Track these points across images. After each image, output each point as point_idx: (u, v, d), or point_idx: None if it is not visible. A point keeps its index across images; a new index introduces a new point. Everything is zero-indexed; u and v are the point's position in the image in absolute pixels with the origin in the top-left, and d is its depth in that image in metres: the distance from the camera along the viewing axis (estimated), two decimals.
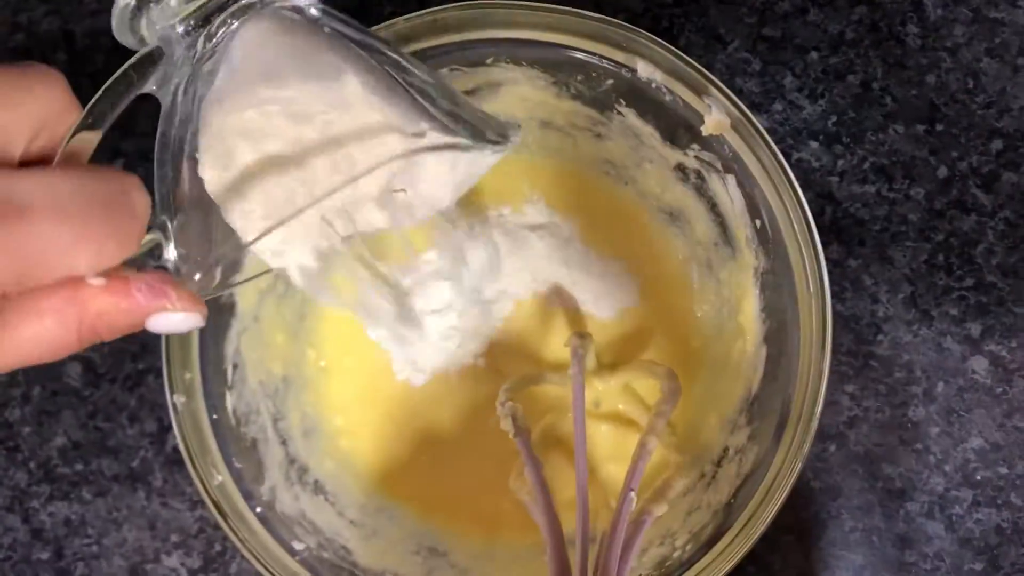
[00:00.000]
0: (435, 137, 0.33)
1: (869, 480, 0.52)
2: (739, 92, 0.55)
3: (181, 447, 0.44)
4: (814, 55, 0.55)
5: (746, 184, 0.45)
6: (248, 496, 0.45)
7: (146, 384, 0.54)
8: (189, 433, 0.44)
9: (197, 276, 0.33)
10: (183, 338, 0.45)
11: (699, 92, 0.44)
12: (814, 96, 0.55)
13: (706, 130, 0.45)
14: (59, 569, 0.53)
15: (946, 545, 0.51)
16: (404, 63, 0.36)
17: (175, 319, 0.31)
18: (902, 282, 0.53)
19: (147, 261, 0.32)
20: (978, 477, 0.51)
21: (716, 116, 0.44)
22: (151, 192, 0.30)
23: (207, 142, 0.32)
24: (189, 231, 0.33)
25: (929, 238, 0.53)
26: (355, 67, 0.33)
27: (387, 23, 0.46)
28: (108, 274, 0.29)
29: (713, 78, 0.44)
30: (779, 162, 0.43)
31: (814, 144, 0.54)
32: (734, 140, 0.44)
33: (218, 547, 0.52)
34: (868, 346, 0.53)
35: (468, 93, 0.49)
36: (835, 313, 0.53)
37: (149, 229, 0.31)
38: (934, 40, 0.55)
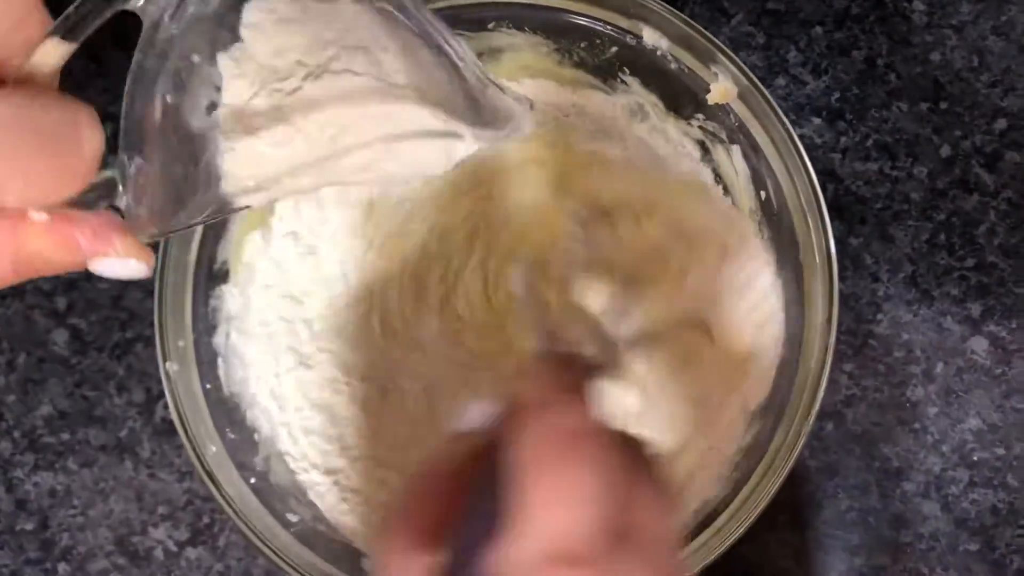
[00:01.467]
0: (449, 124, 0.32)
1: (866, 460, 0.51)
2: None
3: (174, 416, 0.43)
4: (819, 30, 0.54)
5: (751, 155, 0.45)
6: (242, 467, 0.44)
7: (134, 353, 0.53)
8: (182, 402, 0.43)
9: (150, 219, 0.31)
10: (176, 304, 0.44)
11: (706, 60, 0.44)
12: (818, 71, 0.54)
13: (712, 99, 0.44)
14: (44, 540, 0.52)
15: (942, 525, 0.51)
16: (444, 36, 0.34)
17: (118, 265, 0.29)
18: (903, 261, 0.53)
19: (97, 201, 0.30)
20: (975, 458, 0.51)
21: (723, 84, 0.43)
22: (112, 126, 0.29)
23: (232, 67, 0.30)
24: (151, 171, 0.31)
25: (931, 217, 0.53)
26: (397, 32, 0.31)
27: None
28: (52, 211, 0.28)
29: (721, 45, 0.43)
30: (787, 132, 0.42)
31: (817, 120, 0.54)
32: (741, 110, 0.44)
33: (206, 519, 0.52)
34: (868, 325, 0.52)
35: None
36: None
37: (105, 165, 0.29)
38: (940, 17, 0.54)
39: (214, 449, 0.43)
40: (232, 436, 0.44)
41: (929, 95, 0.54)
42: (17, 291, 0.53)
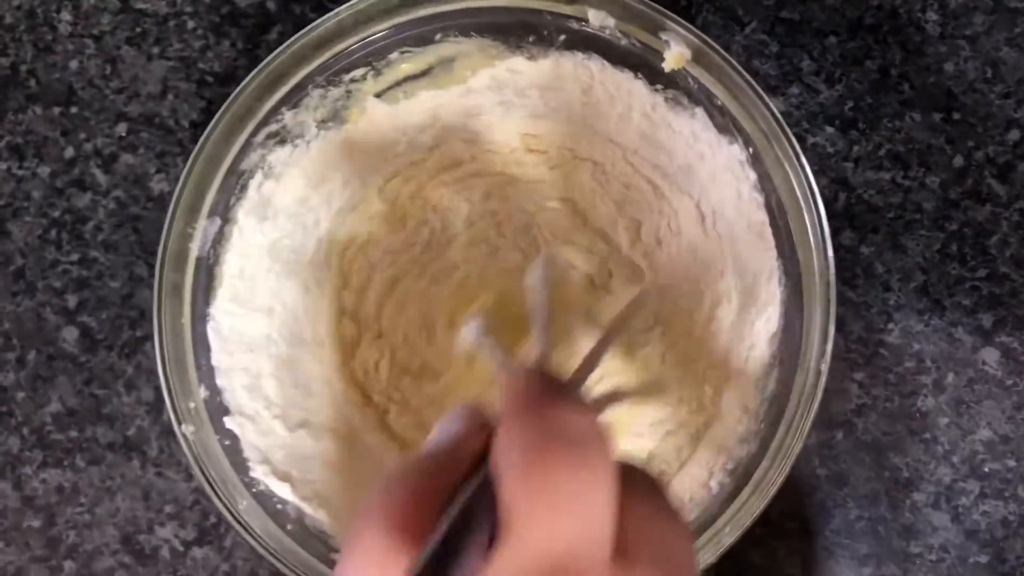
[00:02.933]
0: None
1: (876, 469, 0.51)
2: (756, 74, 0.54)
3: (201, 479, 0.43)
4: (832, 39, 0.54)
5: (718, 116, 0.44)
6: (275, 515, 0.44)
7: (143, 352, 0.53)
8: (205, 463, 0.43)
9: None
10: (180, 367, 0.44)
11: (654, 30, 0.43)
12: (831, 80, 0.54)
13: (667, 66, 0.44)
14: (50, 537, 0.51)
15: (952, 536, 0.51)
16: None
17: None
18: (915, 271, 0.53)
19: None
20: (986, 469, 0.51)
21: (675, 50, 0.43)
22: None
23: None
24: None
25: (943, 227, 0.53)
26: None
27: (335, 12, 0.45)
28: None
29: (667, 12, 0.43)
30: (747, 83, 0.42)
31: (830, 129, 0.54)
32: (698, 72, 0.44)
33: (213, 519, 0.51)
34: (878, 334, 0.52)
35: (422, 74, 0.49)
36: (846, 300, 0.52)
37: None
38: (953, 28, 0.54)
39: (244, 503, 0.44)
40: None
41: (942, 105, 0.54)
42: (28, 288, 0.53)
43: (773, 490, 0.41)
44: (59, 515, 0.52)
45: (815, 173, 0.53)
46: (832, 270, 0.42)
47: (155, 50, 0.55)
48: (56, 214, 0.54)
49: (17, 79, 0.55)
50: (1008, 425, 0.51)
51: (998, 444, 0.51)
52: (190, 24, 0.55)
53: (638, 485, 0.27)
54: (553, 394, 0.27)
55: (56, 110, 0.55)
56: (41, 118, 0.54)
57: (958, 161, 0.53)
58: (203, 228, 0.45)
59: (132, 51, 0.55)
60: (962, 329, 0.52)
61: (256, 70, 0.45)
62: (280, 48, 0.45)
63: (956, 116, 0.54)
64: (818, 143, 0.54)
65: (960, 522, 0.51)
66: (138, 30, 0.55)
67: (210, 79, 0.55)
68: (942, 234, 0.53)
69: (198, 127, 0.54)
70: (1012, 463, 0.51)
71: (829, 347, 0.42)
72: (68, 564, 0.51)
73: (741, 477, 0.43)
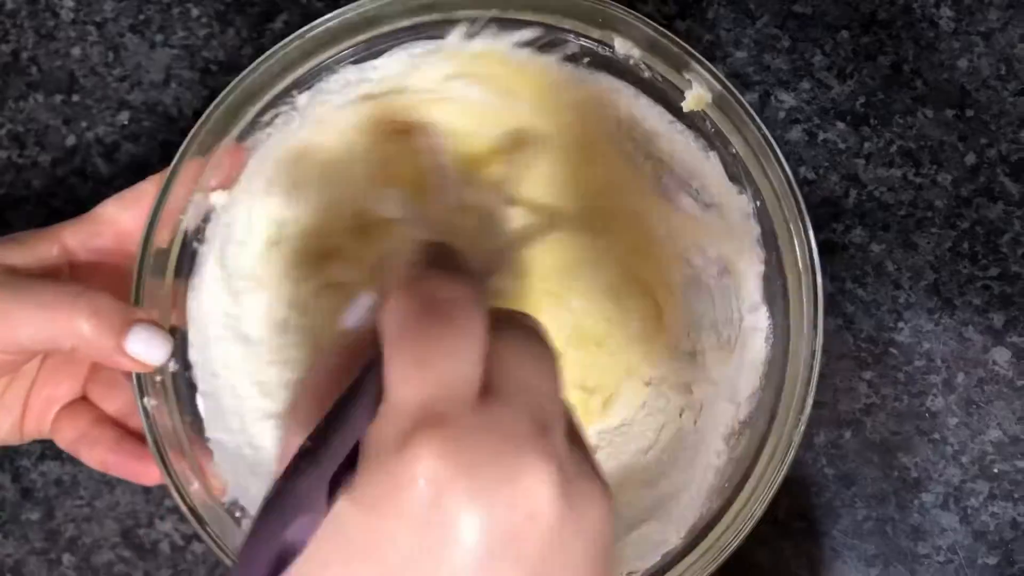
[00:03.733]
0: None
1: (884, 469, 0.51)
2: (767, 69, 0.54)
3: (154, 453, 0.42)
4: (845, 34, 0.54)
5: (730, 162, 0.44)
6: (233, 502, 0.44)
7: None
8: (162, 439, 0.42)
9: None
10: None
11: (679, 67, 0.43)
12: (843, 76, 0.53)
13: (687, 106, 0.44)
14: (49, 530, 0.51)
15: (960, 538, 0.50)
16: None
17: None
18: (925, 269, 0.52)
19: None
20: (995, 470, 0.51)
21: (697, 91, 0.43)
22: None
23: None
24: None
25: (955, 225, 0.52)
26: None
27: (356, 4, 0.44)
28: None
29: (694, 52, 0.42)
30: (764, 137, 0.42)
31: (841, 125, 0.53)
32: (717, 116, 0.43)
33: None
34: (888, 333, 0.52)
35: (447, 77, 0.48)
36: (855, 298, 0.52)
37: None
38: (968, 24, 0.54)
39: (197, 484, 0.42)
40: None
41: (955, 102, 0.53)
42: None
43: (726, 554, 0.41)
44: (58, 508, 0.51)
45: (825, 169, 0.53)
46: (821, 316, 0.42)
47: (158, 38, 0.54)
48: (57, 204, 0.53)
49: (18, 66, 0.54)
50: (1018, 426, 0.51)
51: (1008, 445, 0.51)
52: (194, 12, 0.54)
53: (512, 330, 0.29)
54: (436, 265, 0.30)
55: (58, 98, 0.54)
56: (42, 106, 0.54)
57: (970, 159, 0.53)
58: (195, 201, 0.44)
59: (135, 38, 0.54)
60: (973, 329, 0.52)
61: (269, 52, 0.44)
62: (314, 24, 0.44)
63: (969, 113, 0.53)
64: (829, 139, 0.53)
65: (969, 523, 0.50)
66: (141, 17, 0.54)
67: (214, 68, 0.54)
68: (953, 232, 0.52)
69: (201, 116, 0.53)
70: (1022, 464, 0.50)
71: (803, 421, 0.41)
72: (67, 557, 0.51)
73: (698, 534, 0.43)
